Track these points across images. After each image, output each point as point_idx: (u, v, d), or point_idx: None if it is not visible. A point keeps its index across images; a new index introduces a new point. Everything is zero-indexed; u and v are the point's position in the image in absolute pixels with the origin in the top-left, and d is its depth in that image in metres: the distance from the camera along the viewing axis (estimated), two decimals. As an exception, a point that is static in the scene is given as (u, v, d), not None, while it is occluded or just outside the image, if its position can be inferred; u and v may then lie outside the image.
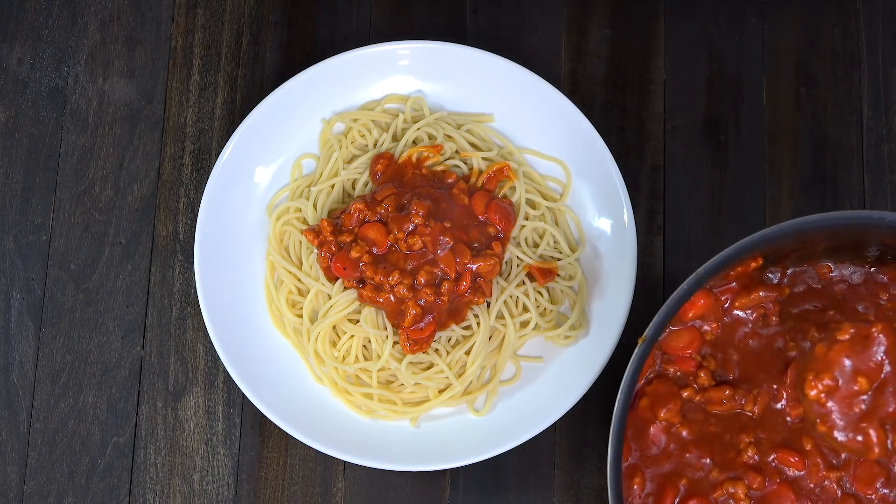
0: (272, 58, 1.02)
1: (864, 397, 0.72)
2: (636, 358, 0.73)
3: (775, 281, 0.79)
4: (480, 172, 0.95)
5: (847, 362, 0.72)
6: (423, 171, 0.94)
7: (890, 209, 0.97)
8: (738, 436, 0.77)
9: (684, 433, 0.77)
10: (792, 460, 0.76)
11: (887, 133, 0.99)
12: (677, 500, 0.76)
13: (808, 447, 0.76)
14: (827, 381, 0.72)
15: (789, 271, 0.80)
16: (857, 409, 0.72)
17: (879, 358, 0.72)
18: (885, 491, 0.76)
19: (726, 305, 0.79)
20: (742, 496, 0.76)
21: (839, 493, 0.76)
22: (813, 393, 0.73)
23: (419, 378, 0.92)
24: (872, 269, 0.79)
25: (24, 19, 1.03)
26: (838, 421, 0.72)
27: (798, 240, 0.74)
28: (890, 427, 0.72)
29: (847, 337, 0.72)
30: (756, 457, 0.77)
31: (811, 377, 0.73)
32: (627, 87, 1.00)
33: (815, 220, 0.72)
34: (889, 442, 0.73)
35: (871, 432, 0.72)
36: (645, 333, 0.73)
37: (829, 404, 0.72)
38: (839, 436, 0.72)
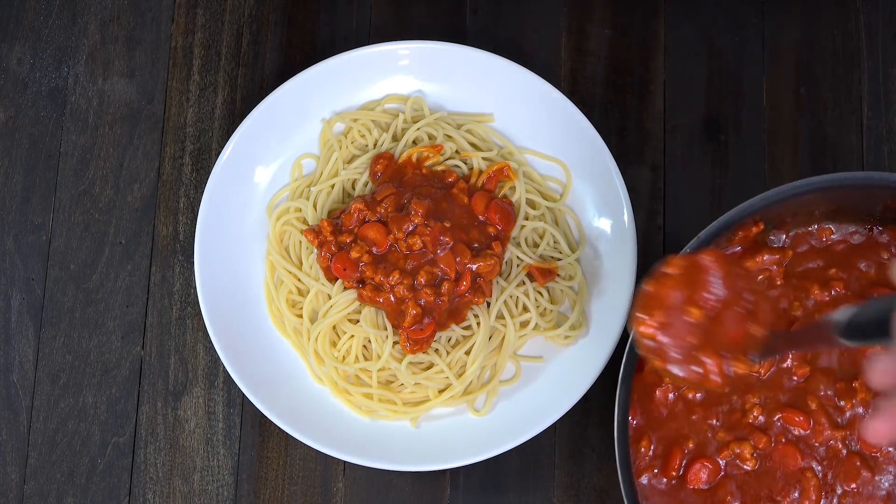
0: (272, 58, 1.02)
1: (698, 328, 0.71)
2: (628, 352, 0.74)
3: (778, 244, 0.79)
4: (480, 172, 0.95)
5: (677, 295, 0.70)
6: (423, 170, 0.94)
7: (890, 209, 0.97)
8: (744, 396, 0.77)
9: (690, 395, 0.77)
10: (797, 419, 0.76)
11: (887, 133, 0.99)
12: (684, 461, 0.76)
13: (814, 406, 0.77)
14: (659, 318, 0.69)
15: (791, 233, 0.79)
16: (691, 340, 0.70)
17: (714, 287, 0.70)
18: (891, 449, 0.76)
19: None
20: (748, 456, 0.76)
21: (844, 451, 0.77)
22: (644, 329, 0.70)
23: (419, 378, 0.92)
24: (873, 229, 0.79)
25: (24, 19, 1.03)
26: (673, 354, 0.70)
27: (798, 202, 0.74)
28: (727, 354, 0.71)
29: (676, 271, 0.71)
30: (761, 417, 0.77)
31: (640, 314, 0.70)
32: (627, 87, 1.00)
33: (815, 182, 0.73)
34: (727, 368, 0.71)
35: (707, 360, 0.70)
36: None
37: (662, 339, 0.70)
38: (675, 369, 0.69)
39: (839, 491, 0.76)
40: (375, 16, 1.02)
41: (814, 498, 0.76)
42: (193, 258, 0.93)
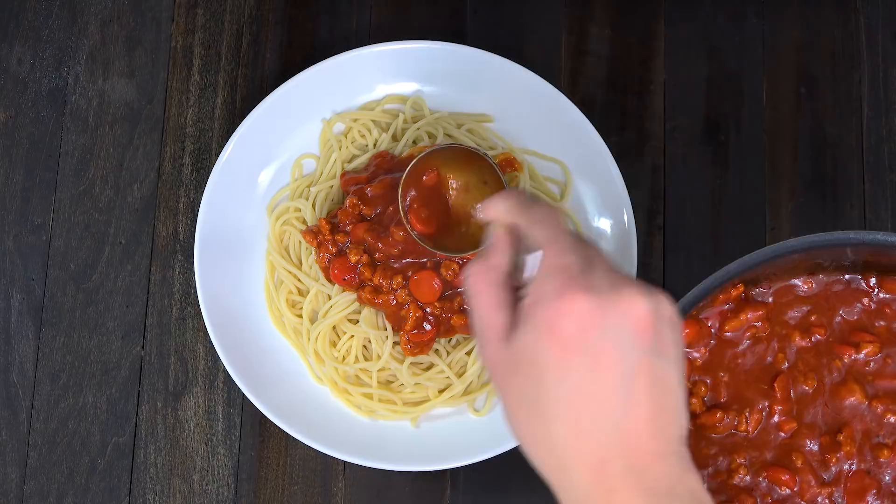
0: (272, 58, 1.02)
1: None
2: None
3: (762, 299, 0.79)
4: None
5: None
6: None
7: (890, 209, 0.97)
8: (731, 456, 0.77)
9: None
10: (783, 478, 0.76)
11: (887, 133, 0.99)
12: None
13: (799, 463, 0.76)
14: None
15: (774, 287, 0.80)
16: None
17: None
18: (878, 503, 0.76)
19: (714, 329, 0.79)
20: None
21: None
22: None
23: (419, 379, 0.92)
24: (848, 276, 0.79)
25: (24, 19, 1.03)
26: None
27: (777, 265, 0.75)
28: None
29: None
30: (747, 478, 0.76)
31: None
32: (627, 87, 1.00)
33: (790, 245, 0.73)
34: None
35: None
36: None
37: None
38: None
39: None
40: (375, 16, 1.02)
41: None
42: (193, 258, 0.93)
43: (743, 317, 0.78)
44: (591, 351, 0.55)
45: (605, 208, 0.94)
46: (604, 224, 0.94)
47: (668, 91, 1.00)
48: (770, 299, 0.79)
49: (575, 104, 0.95)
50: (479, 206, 0.66)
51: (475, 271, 0.61)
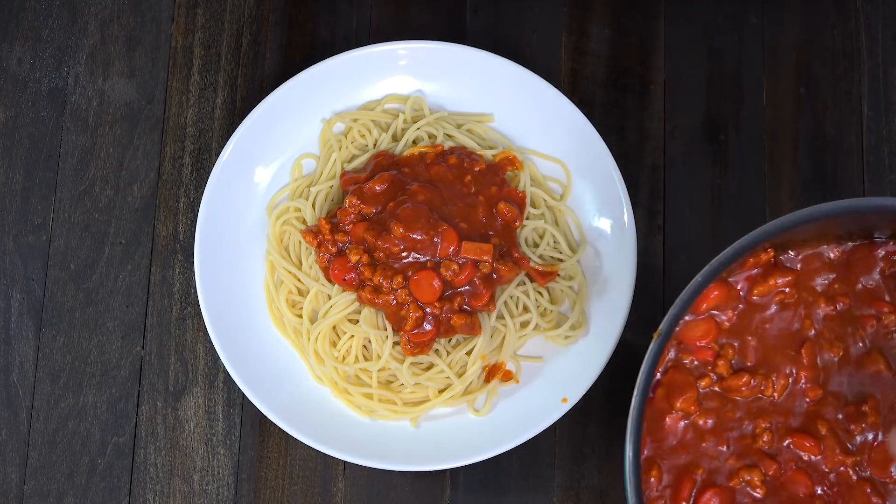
0: (272, 58, 1.02)
1: None
2: (652, 352, 0.73)
3: (790, 265, 0.79)
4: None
5: None
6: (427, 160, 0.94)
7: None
8: (756, 421, 0.77)
9: (701, 422, 0.77)
10: (807, 445, 0.76)
11: (887, 133, 0.99)
12: (694, 491, 0.76)
13: (824, 431, 0.76)
14: None
15: (802, 254, 0.79)
16: None
17: None
18: None
19: (743, 293, 0.79)
20: (758, 483, 0.75)
21: (854, 477, 0.76)
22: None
23: (420, 379, 0.92)
24: (868, 242, 0.79)
25: (24, 19, 1.03)
26: None
27: (809, 229, 0.74)
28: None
29: None
30: (772, 443, 0.76)
31: None
32: (627, 87, 1.00)
33: (827, 209, 0.73)
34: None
35: None
36: (660, 327, 0.73)
37: None
38: None
39: None
40: (375, 16, 1.02)
41: None
42: (193, 258, 0.93)
43: (772, 282, 0.78)
44: None
45: (605, 208, 0.94)
46: (604, 224, 0.94)
47: (668, 91, 1.00)
48: (798, 266, 0.79)
49: (575, 104, 0.95)
50: None
51: None
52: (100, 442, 0.95)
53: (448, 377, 0.92)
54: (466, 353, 0.92)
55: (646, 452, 0.77)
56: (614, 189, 0.93)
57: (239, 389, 0.95)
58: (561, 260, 0.94)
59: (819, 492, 0.76)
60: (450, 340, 0.93)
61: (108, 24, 1.02)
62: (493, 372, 0.93)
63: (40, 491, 0.95)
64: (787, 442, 0.77)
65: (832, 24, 1.01)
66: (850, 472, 0.76)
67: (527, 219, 0.94)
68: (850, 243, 0.79)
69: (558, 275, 0.94)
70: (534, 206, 0.95)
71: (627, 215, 0.92)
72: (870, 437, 0.76)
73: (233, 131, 0.94)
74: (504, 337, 0.93)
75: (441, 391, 0.92)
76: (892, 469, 0.76)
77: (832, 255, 0.79)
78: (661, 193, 0.98)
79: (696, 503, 0.76)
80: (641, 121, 0.99)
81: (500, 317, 0.93)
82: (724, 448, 0.77)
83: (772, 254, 0.78)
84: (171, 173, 1.00)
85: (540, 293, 0.93)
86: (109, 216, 0.99)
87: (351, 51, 0.95)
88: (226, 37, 1.02)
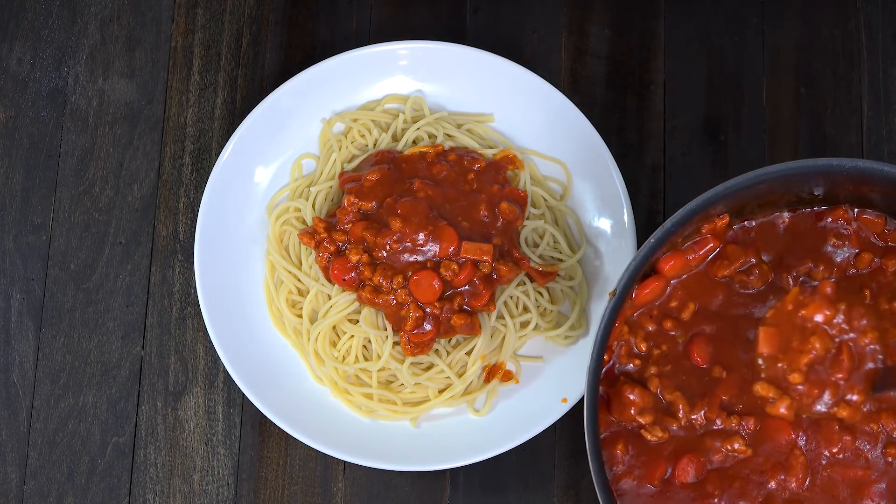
0: (272, 58, 1.02)
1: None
2: (608, 311, 0.72)
3: (744, 231, 0.79)
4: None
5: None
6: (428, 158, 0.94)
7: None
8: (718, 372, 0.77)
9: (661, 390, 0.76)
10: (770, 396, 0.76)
11: (887, 133, 0.99)
12: (669, 469, 0.75)
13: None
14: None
15: (755, 223, 0.79)
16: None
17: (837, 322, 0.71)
18: (867, 407, 0.76)
19: (703, 267, 0.78)
20: (743, 447, 0.75)
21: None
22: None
23: (420, 379, 0.92)
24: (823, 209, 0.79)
25: (24, 19, 1.03)
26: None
27: (761, 191, 0.74)
28: (844, 382, 0.72)
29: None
30: (740, 406, 0.76)
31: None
32: (627, 87, 1.00)
33: (777, 170, 0.72)
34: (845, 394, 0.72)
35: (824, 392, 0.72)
36: (615, 287, 0.73)
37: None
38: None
39: (824, 462, 0.75)
40: (375, 16, 1.02)
41: (801, 476, 0.75)
42: (193, 258, 0.93)
43: (735, 264, 0.78)
44: None
45: (605, 208, 0.94)
46: (604, 224, 0.94)
47: (668, 91, 1.00)
48: (752, 235, 0.79)
49: (575, 104, 0.95)
50: None
51: None
52: (100, 442, 0.95)
53: (448, 377, 0.92)
54: (466, 353, 0.92)
55: (612, 429, 0.76)
56: (614, 189, 0.93)
57: (239, 389, 0.95)
58: (561, 260, 0.94)
59: (798, 437, 0.76)
60: (450, 340, 0.93)
61: (108, 24, 1.02)
62: (493, 372, 0.93)
63: (40, 491, 0.95)
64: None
65: (832, 24, 1.01)
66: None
67: (527, 219, 0.94)
68: (795, 211, 0.79)
69: (558, 275, 0.94)
70: (534, 205, 0.95)
71: (627, 215, 0.92)
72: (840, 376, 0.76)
73: (233, 131, 0.94)
74: (504, 337, 0.93)
75: (441, 391, 0.92)
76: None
77: (783, 224, 0.79)
78: (661, 193, 0.98)
79: (674, 472, 0.75)
80: (641, 121, 0.99)
81: (500, 317, 0.93)
82: (696, 416, 0.76)
83: (727, 219, 0.77)
84: (171, 173, 1.00)
85: (540, 293, 0.93)
86: (109, 216, 0.99)
87: (351, 51, 0.95)
88: (226, 37, 1.02)
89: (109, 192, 1.00)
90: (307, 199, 0.95)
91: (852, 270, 0.78)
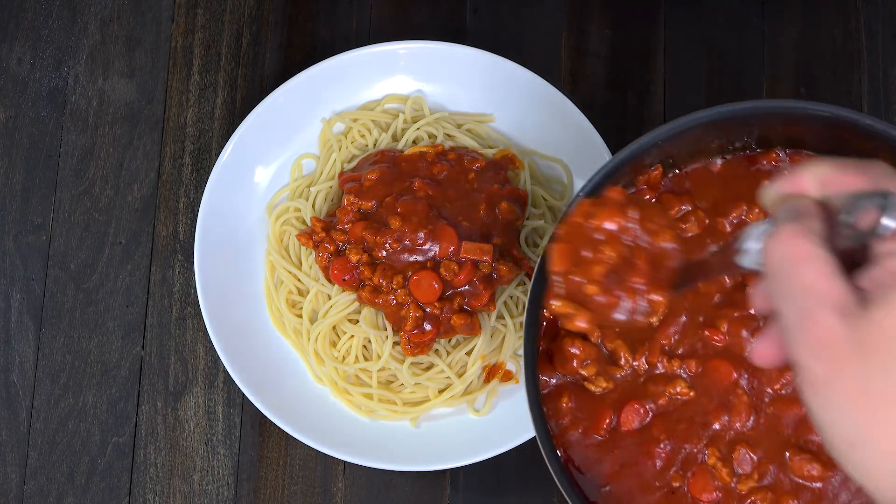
0: (272, 58, 1.02)
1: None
2: (538, 265, 0.72)
3: (679, 191, 0.78)
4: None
5: (594, 232, 0.67)
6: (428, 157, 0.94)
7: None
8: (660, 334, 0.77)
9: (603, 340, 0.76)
10: (716, 337, 0.76)
11: (887, 133, 0.99)
12: (614, 419, 0.75)
13: (726, 324, 0.76)
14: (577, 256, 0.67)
15: (688, 169, 0.79)
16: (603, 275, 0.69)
17: (628, 226, 0.69)
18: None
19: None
20: (685, 389, 0.74)
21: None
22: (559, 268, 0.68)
23: (420, 379, 0.92)
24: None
25: (24, 19, 1.03)
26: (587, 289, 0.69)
27: (692, 138, 0.74)
28: (643, 287, 0.71)
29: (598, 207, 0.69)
30: (681, 349, 0.76)
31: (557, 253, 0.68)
32: (627, 87, 1.00)
33: (705, 115, 0.73)
34: (640, 303, 0.70)
35: (621, 294, 0.69)
36: (544, 240, 0.71)
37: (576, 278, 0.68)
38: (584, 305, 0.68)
39: (767, 399, 0.75)
40: (375, 16, 1.02)
41: (744, 415, 0.75)
42: (193, 258, 0.93)
43: (673, 209, 0.77)
44: None
45: (605, 208, 0.94)
46: (604, 224, 0.94)
47: (668, 91, 1.00)
48: (688, 184, 0.78)
49: (575, 104, 0.95)
50: (766, 184, 0.60)
51: (791, 234, 0.50)
52: (100, 442, 0.95)
53: (448, 377, 0.92)
54: (466, 354, 0.92)
55: (554, 381, 0.76)
56: (614, 189, 0.93)
57: (239, 389, 0.95)
58: (561, 260, 0.94)
59: (740, 376, 0.76)
60: (450, 340, 0.93)
61: (108, 24, 1.02)
62: (493, 372, 0.93)
63: (40, 491, 0.95)
64: (697, 339, 0.76)
65: (832, 24, 1.01)
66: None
67: (527, 218, 0.94)
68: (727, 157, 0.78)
69: (558, 275, 0.94)
70: (534, 205, 0.95)
71: (627, 215, 0.92)
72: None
73: (233, 131, 0.94)
74: (504, 337, 0.93)
75: (441, 391, 0.92)
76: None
77: (716, 170, 0.79)
78: (661, 193, 0.98)
79: (620, 420, 0.75)
80: (641, 121, 0.99)
81: (500, 317, 0.93)
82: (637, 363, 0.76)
83: (660, 169, 0.77)
84: (171, 173, 1.00)
85: (540, 293, 0.93)
86: (109, 216, 0.99)
87: (351, 51, 0.95)
88: (226, 37, 1.02)
89: (109, 192, 1.00)
90: (307, 199, 0.95)
91: None
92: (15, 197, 1.00)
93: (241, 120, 0.95)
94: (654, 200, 0.78)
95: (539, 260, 0.73)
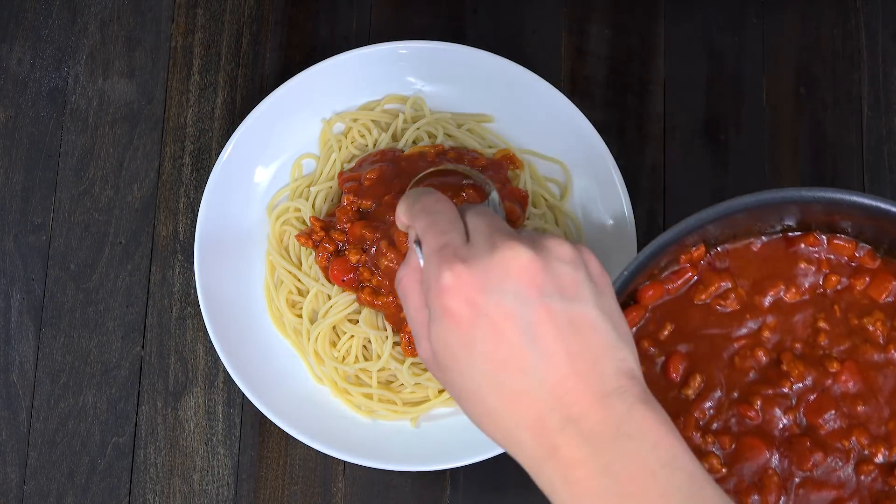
0: (272, 58, 1.02)
1: None
2: None
3: (722, 266, 0.80)
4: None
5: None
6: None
7: (890, 209, 0.97)
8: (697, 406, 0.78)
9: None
10: (750, 414, 0.76)
11: (887, 133, 0.99)
12: None
13: (761, 400, 0.77)
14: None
15: (729, 248, 0.81)
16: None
17: None
18: (836, 425, 0.77)
19: (682, 292, 0.80)
20: (717, 466, 0.75)
21: (798, 431, 0.77)
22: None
23: (420, 379, 0.92)
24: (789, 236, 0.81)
25: (24, 19, 1.03)
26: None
27: (733, 222, 0.76)
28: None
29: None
30: (716, 424, 0.77)
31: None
32: (627, 87, 1.00)
33: (746, 202, 0.75)
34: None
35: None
36: None
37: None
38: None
39: (797, 480, 0.76)
40: (375, 16, 1.02)
41: (774, 496, 0.76)
42: (193, 258, 0.93)
43: (711, 288, 0.79)
44: (484, 318, 0.54)
45: (605, 208, 0.94)
46: (604, 224, 0.94)
47: (668, 91, 1.00)
48: (727, 263, 0.80)
49: (575, 104, 0.95)
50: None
51: (403, 275, 0.61)
52: (100, 442, 0.95)
53: (448, 377, 0.92)
54: (466, 353, 0.92)
55: None
56: (614, 189, 0.93)
57: (239, 389, 0.95)
58: (561, 260, 0.94)
59: (772, 456, 0.76)
60: (450, 340, 0.93)
61: (108, 24, 1.02)
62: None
63: (40, 491, 0.95)
64: (731, 413, 0.77)
65: (832, 24, 1.01)
66: (793, 425, 0.77)
67: (527, 219, 0.94)
68: (767, 237, 0.80)
69: (558, 275, 0.94)
70: (534, 205, 0.95)
71: (627, 215, 0.92)
72: (802, 385, 0.77)
73: (233, 131, 0.94)
74: (504, 337, 0.93)
75: (441, 391, 0.92)
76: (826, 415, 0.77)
77: (755, 250, 0.81)
78: (661, 193, 0.98)
79: None
80: (641, 121, 0.99)
81: (500, 317, 0.92)
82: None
83: (703, 249, 0.79)
84: (171, 173, 1.00)
85: (540, 293, 0.93)
86: (109, 216, 0.99)
87: (351, 51, 0.95)
88: (226, 37, 1.02)
89: (109, 192, 1.00)
90: (307, 200, 0.95)
91: (820, 290, 0.80)
92: (15, 197, 1.00)
93: (241, 120, 0.95)
94: (695, 278, 0.80)
95: None
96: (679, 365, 0.78)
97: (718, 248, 0.81)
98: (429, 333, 0.58)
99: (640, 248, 0.94)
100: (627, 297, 0.79)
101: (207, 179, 0.94)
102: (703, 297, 0.79)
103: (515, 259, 0.55)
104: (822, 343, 0.78)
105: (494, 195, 0.78)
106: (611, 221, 0.94)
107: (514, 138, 0.97)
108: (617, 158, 0.94)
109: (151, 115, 1.01)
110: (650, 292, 0.79)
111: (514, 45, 1.01)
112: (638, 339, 0.79)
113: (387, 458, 0.89)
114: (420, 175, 0.88)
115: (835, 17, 1.01)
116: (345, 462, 0.94)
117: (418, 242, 0.61)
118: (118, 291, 0.98)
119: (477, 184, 0.87)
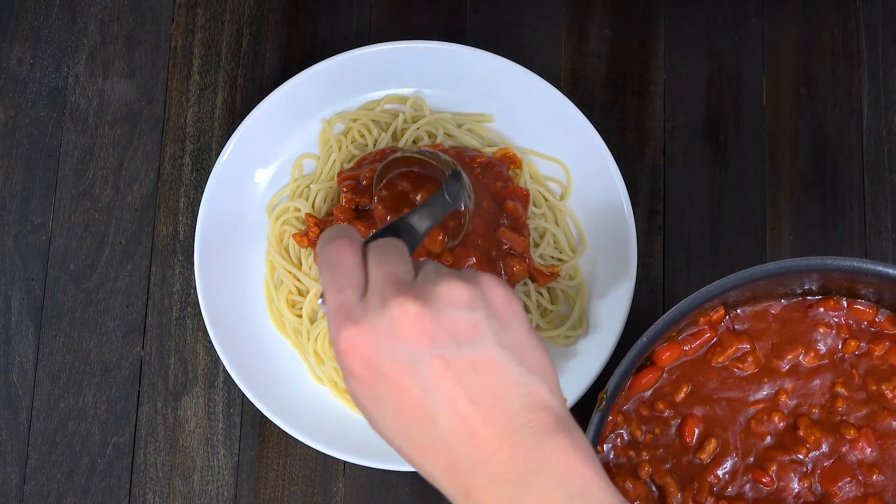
0: (272, 58, 1.02)
1: None
2: (595, 422, 0.74)
3: (741, 327, 0.81)
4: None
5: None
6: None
7: (890, 209, 0.97)
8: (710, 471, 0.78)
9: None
10: (763, 480, 0.77)
11: (887, 133, 0.99)
12: None
13: (776, 465, 0.77)
14: None
15: (748, 311, 0.81)
16: None
17: None
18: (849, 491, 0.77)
19: (700, 354, 0.80)
20: None
21: (812, 498, 0.77)
22: None
23: (419, 378, 0.92)
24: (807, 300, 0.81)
25: (24, 19, 1.03)
26: None
27: (753, 287, 0.76)
28: None
29: None
30: (730, 489, 0.77)
31: None
32: (627, 87, 1.00)
33: (769, 269, 0.75)
34: None
35: None
36: (605, 388, 0.74)
37: None
38: None
39: None
40: (375, 16, 1.02)
41: None
42: (193, 258, 0.93)
43: (729, 350, 0.80)
44: (384, 376, 0.56)
45: (606, 208, 0.94)
46: (604, 224, 0.94)
47: (668, 91, 1.00)
48: (747, 325, 0.80)
49: (575, 104, 0.95)
50: None
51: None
52: (100, 442, 0.95)
53: (448, 377, 0.92)
54: (466, 353, 0.92)
55: None
56: (614, 189, 0.93)
57: (239, 389, 0.95)
58: (562, 260, 0.94)
59: None
60: (450, 340, 0.93)
61: (108, 24, 1.02)
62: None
63: (40, 491, 0.95)
64: (746, 478, 0.77)
65: (832, 24, 1.01)
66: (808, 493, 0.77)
67: (528, 218, 0.94)
68: (785, 300, 0.81)
69: (559, 275, 0.94)
70: (535, 205, 0.95)
71: (627, 215, 0.92)
72: (816, 452, 0.77)
73: (233, 131, 0.94)
74: (504, 337, 0.93)
75: (441, 391, 0.92)
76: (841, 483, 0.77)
77: (774, 313, 0.81)
78: (661, 193, 0.98)
79: None
80: (641, 121, 0.99)
81: (500, 317, 0.92)
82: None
83: (722, 312, 0.79)
84: (171, 173, 1.00)
85: (540, 293, 0.93)
86: (109, 216, 0.99)
87: (351, 51, 0.95)
88: (226, 37, 1.02)
89: (109, 192, 1.00)
90: (307, 200, 0.95)
91: (839, 355, 0.80)
92: (15, 197, 1.00)
93: (241, 120, 0.95)
94: (714, 339, 0.80)
95: (603, 407, 0.75)
96: (695, 428, 0.78)
97: (738, 311, 0.81)
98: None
99: (638, 250, 0.94)
100: (644, 359, 0.79)
101: (207, 179, 0.94)
102: (721, 359, 0.79)
103: (403, 316, 0.55)
104: (840, 409, 0.78)
105: (453, 181, 0.78)
106: (611, 221, 0.94)
107: (514, 138, 0.97)
108: (617, 158, 0.94)
109: (151, 115, 1.01)
110: (667, 353, 0.79)
111: (514, 46, 1.01)
112: (653, 401, 0.79)
113: (387, 458, 0.89)
114: (386, 161, 0.88)
115: (835, 17, 1.01)
116: (345, 462, 0.94)
117: (322, 296, 0.61)
118: (118, 291, 0.98)
119: (440, 167, 0.87)
